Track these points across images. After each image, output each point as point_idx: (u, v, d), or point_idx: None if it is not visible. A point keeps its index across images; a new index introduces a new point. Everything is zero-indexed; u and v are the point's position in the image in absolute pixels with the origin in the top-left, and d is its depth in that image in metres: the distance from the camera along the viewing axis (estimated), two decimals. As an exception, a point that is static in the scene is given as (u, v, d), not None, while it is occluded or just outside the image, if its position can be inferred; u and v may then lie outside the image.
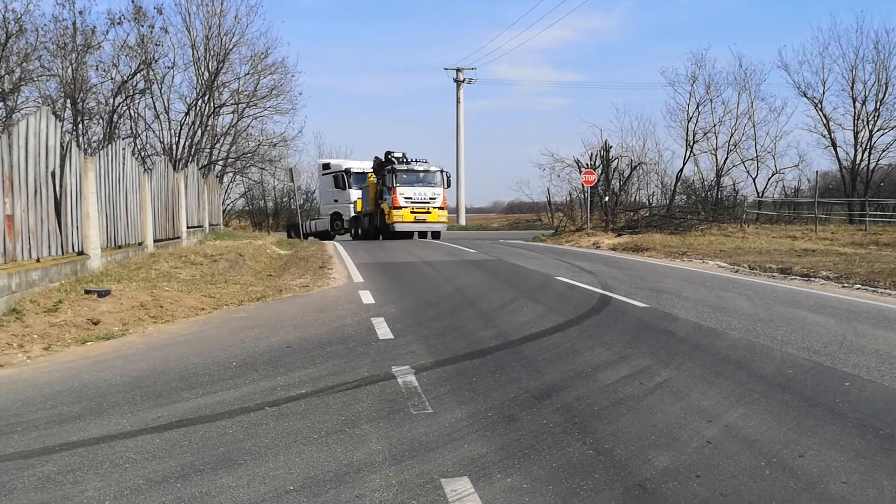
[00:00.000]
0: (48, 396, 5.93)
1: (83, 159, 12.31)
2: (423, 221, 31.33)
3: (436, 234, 31.83)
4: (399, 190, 30.99)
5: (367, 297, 11.00)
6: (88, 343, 8.07)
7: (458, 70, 54.42)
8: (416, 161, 32.77)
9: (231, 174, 33.02)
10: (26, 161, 9.80)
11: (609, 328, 8.32)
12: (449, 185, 32.54)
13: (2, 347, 7.63)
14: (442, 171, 32.43)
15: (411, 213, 30.81)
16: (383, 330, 8.30)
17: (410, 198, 30.97)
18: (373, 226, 33.49)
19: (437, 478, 4.03)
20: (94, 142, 26.25)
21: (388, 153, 32.99)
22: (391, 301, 10.66)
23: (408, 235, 31.24)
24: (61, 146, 11.16)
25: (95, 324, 8.76)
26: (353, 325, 8.80)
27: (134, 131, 28.22)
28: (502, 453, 4.38)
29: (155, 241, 17.23)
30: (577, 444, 4.51)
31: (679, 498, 3.71)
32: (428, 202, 31.34)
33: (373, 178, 34.28)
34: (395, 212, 30.80)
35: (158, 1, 28.62)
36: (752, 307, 9.82)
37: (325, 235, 37.08)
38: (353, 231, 37.16)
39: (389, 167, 31.71)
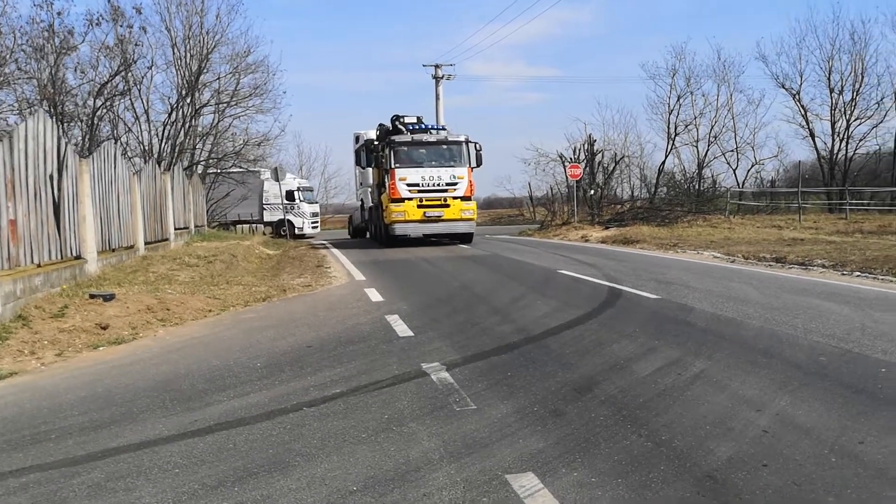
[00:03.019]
0: (74, 403, 5.80)
1: (79, 162, 12.10)
2: (438, 220, 21.27)
3: (464, 238, 22.24)
4: (399, 173, 21.10)
5: (374, 296, 10.91)
6: (100, 348, 7.91)
7: (436, 66, 53.99)
8: (427, 128, 22.97)
9: (213, 175, 32.57)
10: (26, 165, 9.60)
11: (628, 320, 8.30)
12: (479, 163, 22.05)
13: (14, 354, 7.47)
14: (467, 142, 21.88)
15: (418, 206, 21.04)
16: (401, 327, 8.22)
17: (417, 185, 21.10)
18: (379, 222, 23.79)
19: (502, 474, 3.97)
20: (74, 145, 25.79)
21: (395, 118, 23.36)
22: (400, 298, 10.58)
23: (417, 241, 21.85)
24: (57, 149, 10.96)
25: (104, 328, 8.59)
26: (369, 322, 8.72)
27: (114, 134, 27.78)
28: (560, 448, 4.33)
29: (145, 243, 17.00)
30: (632, 437, 4.46)
31: (753, 488, 3.68)
32: (444, 190, 21.24)
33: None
34: (393, 206, 21.15)
35: (137, 0, 28.16)
36: (762, 296, 9.85)
37: (362, 231, 29.86)
38: (370, 229, 27.45)
39: (387, 140, 22.04)
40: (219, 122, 30.12)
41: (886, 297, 9.81)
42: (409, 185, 21.05)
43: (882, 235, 21.70)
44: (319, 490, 3.88)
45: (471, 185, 21.60)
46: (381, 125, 24.30)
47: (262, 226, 36.14)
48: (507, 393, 5.50)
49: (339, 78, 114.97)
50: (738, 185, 39.33)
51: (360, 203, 29.46)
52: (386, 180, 21.68)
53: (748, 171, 40.59)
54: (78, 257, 11.84)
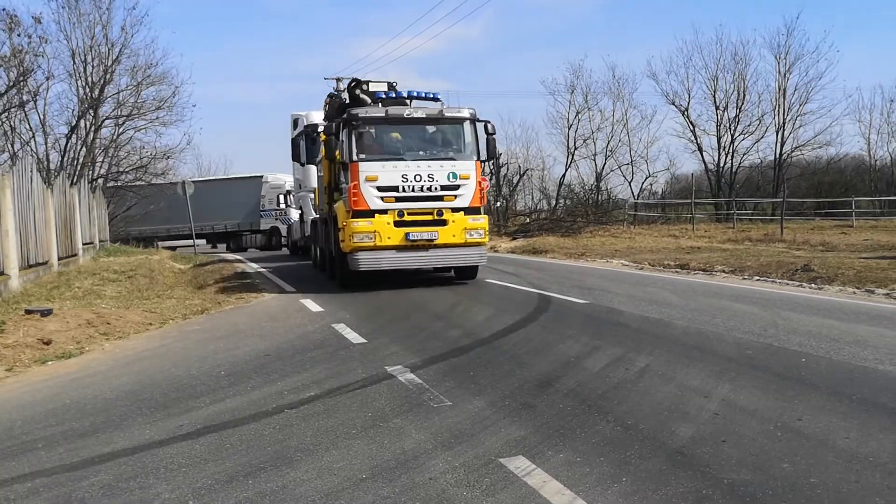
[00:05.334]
0: (45, 415, 5.86)
1: (1, 176, 11.83)
2: (429, 245, 13.10)
3: (466, 272, 14.33)
4: (365, 169, 12.90)
5: (312, 306, 11.12)
6: (49, 363, 7.88)
7: (337, 80, 54.13)
8: (407, 97, 14.53)
9: (114, 188, 31.66)
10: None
11: (566, 323, 8.87)
12: (492, 155, 14.48)
13: (-39, 371, 7.37)
14: (474, 121, 13.64)
15: (397, 224, 12.93)
16: (352, 335, 8.51)
17: (394, 188, 12.95)
18: (328, 246, 15.42)
19: (495, 458, 4.37)
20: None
21: (355, 84, 14.93)
22: (339, 308, 10.82)
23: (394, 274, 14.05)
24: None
25: (47, 343, 8.53)
26: (318, 331, 8.97)
27: (10, 148, 26.73)
28: (540, 435, 4.77)
29: (57, 259, 16.59)
30: (602, 423, 4.96)
31: (719, 459, 4.22)
32: (438, 197, 13.13)
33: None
34: (356, 224, 12.83)
35: (36, 9, 27.19)
36: (680, 299, 10.63)
37: (303, 249, 23.60)
38: (313, 249, 19.37)
39: (346, 115, 13.46)
40: (119, 134, 29.43)
41: (788, 297, 10.76)
42: (381, 188, 12.89)
43: (769, 243, 23.31)
44: (331, 479, 4.19)
45: (480, 190, 13.53)
46: (331, 96, 16.54)
47: (257, 235, 35.04)
48: (476, 390, 5.92)
49: (230, 89, 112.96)
50: (634, 196, 41.17)
51: (300, 210, 23.56)
52: (344, 181, 13.48)
53: (642, 183, 42.57)
54: (1, 273, 11.58)
